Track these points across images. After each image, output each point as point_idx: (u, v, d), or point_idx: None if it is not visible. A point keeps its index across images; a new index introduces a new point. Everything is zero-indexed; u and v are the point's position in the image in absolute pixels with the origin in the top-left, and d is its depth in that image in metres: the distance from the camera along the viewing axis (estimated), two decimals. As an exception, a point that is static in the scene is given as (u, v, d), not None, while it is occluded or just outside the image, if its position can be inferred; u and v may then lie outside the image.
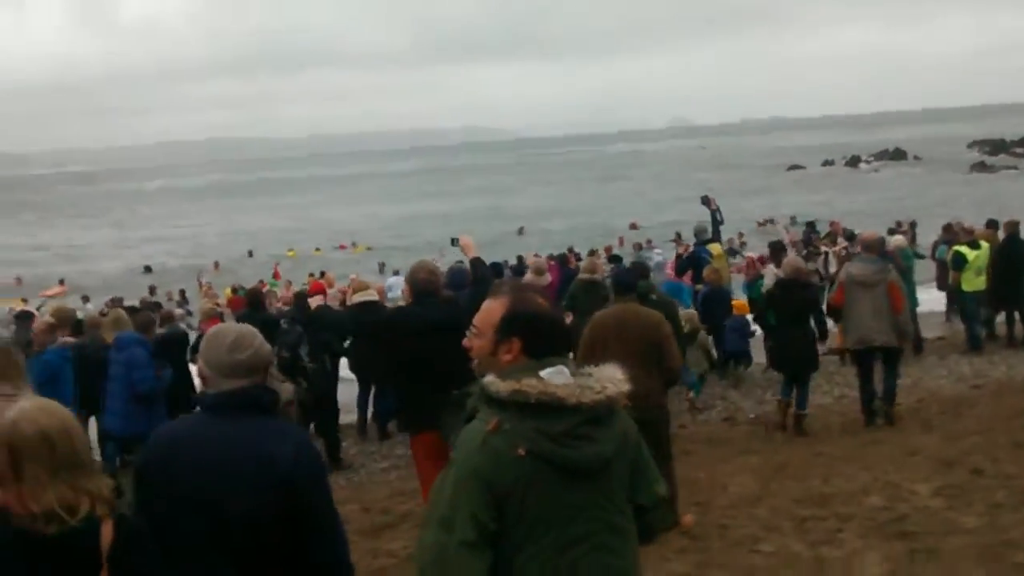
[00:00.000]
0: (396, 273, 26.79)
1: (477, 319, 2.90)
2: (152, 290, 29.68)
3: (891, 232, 19.05)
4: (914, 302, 13.51)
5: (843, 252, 15.11)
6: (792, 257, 12.19)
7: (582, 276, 11.65)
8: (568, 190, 75.67)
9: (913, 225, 24.60)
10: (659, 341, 6.70)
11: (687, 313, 11.89)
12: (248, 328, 3.37)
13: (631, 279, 7.63)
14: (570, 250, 24.20)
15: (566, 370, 2.71)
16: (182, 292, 28.00)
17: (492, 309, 2.86)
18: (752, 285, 14.21)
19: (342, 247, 45.92)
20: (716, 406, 11.53)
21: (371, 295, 11.48)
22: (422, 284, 6.74)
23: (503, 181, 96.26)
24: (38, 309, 19.13)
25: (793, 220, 33.32)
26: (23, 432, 2.52)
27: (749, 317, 13.57)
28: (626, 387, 2.74)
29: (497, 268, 15.18)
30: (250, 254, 44.99)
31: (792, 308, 9.83)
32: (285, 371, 8.86)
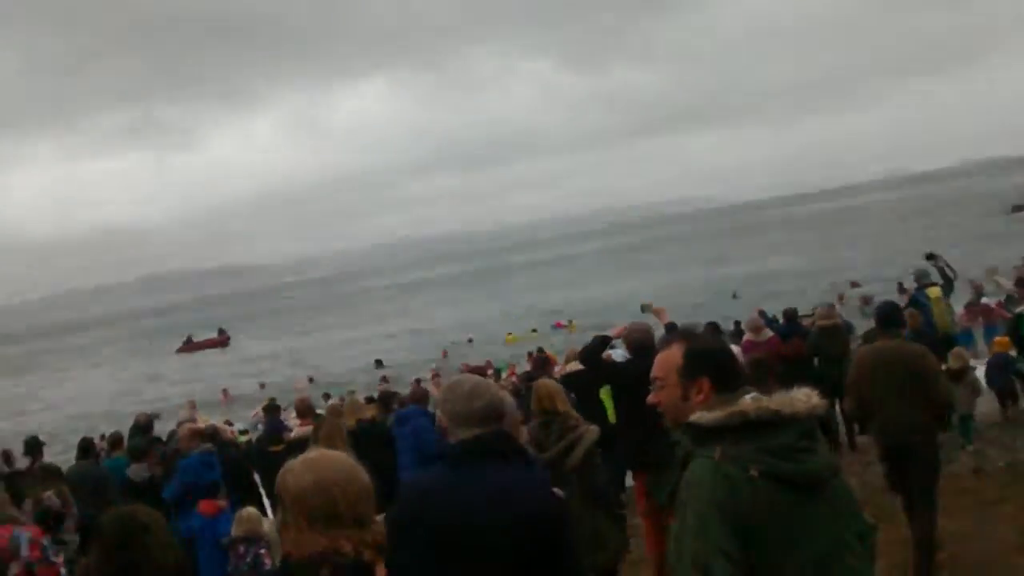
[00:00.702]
0: (613, 346, 26.58)
1: (657, 370, 2.96)
2: (385, 379, 31.04)
3: None
4: None
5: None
6: None
7: (821, 323, 12.15)
8: (783, 251, 73.67)
9: None
10: (923, 373, 6.54)
11: (956, 351, 11.74)
12: (484, 379, 3.56)
13: (895, 313, 7.45)
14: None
15: (763, 396, 2.75)
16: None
17: (670, 357, 2.93)
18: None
19: (558, 325, 46.18)
20: (956, 456, 10.61)
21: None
22: (638, 340, 7.44)
23: (714, 248, 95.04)
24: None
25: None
26: (286, 483, 2.68)
27: (1013, 353, 12.97)
28: (823, 402, 2.76)
29: (715, 326, 15.00)
30: (470, 341, 46.01)
31: None
32: None
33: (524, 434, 5.70)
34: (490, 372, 25.62)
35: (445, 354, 39.75)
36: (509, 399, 3.51)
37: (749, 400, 2.71)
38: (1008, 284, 16.62)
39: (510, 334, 45.72)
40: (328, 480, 2.65)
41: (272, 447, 10.38)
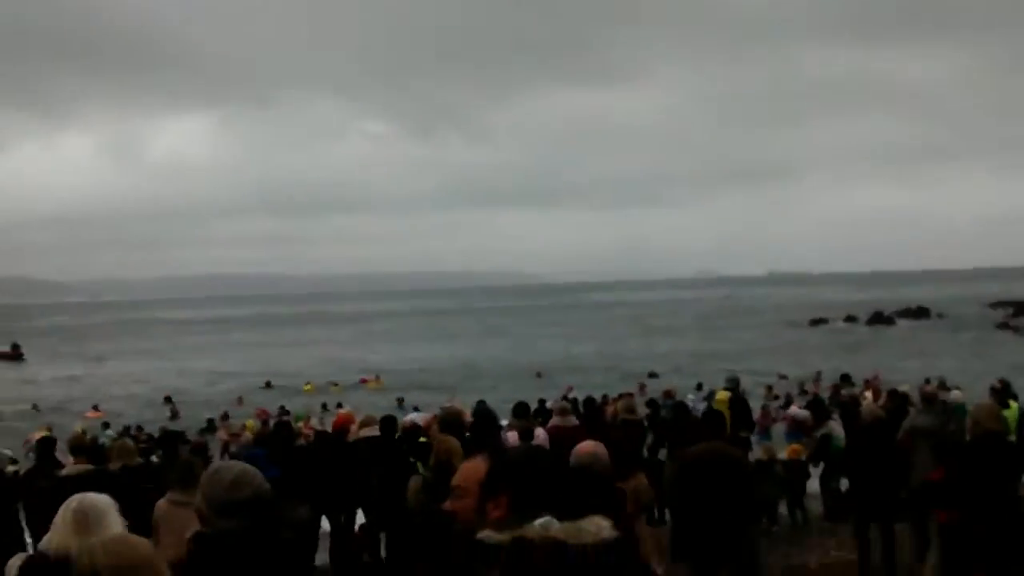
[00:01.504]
0: (416, 409, 26.54)
1: (459, 479, 2.92)
2: (175, 413, 30.04)
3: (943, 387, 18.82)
4: None
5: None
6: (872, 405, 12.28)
7: (624, 416, 12.32)
8: (589, 336, 75.64)
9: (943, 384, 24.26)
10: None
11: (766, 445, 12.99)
12: (250, 467, 3.35)
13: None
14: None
15: (555, 521, 2.65)
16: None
17: (474, 469, 2.87)
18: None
19: (363, 380, 45.55)
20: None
21: (374, 431, 11.40)
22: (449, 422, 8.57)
23: (525, 326, 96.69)
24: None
25: (818, 375, 32.82)
26: (82, 565, 2.60)
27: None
28: (615, 534, 2.68)
29: (524, 408, 15.01)
30: (268, 386, 44.90)
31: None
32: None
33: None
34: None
35: (241, 401, 38.34)
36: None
37: (534, 526, 2.62)
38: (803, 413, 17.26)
39: (308, 383, 44.78)
40: (126, 565, 2.56)
41: (42, 482, 9.79)
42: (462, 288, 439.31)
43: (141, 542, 2.72)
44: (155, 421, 31.34)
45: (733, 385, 15.49)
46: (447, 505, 2.97)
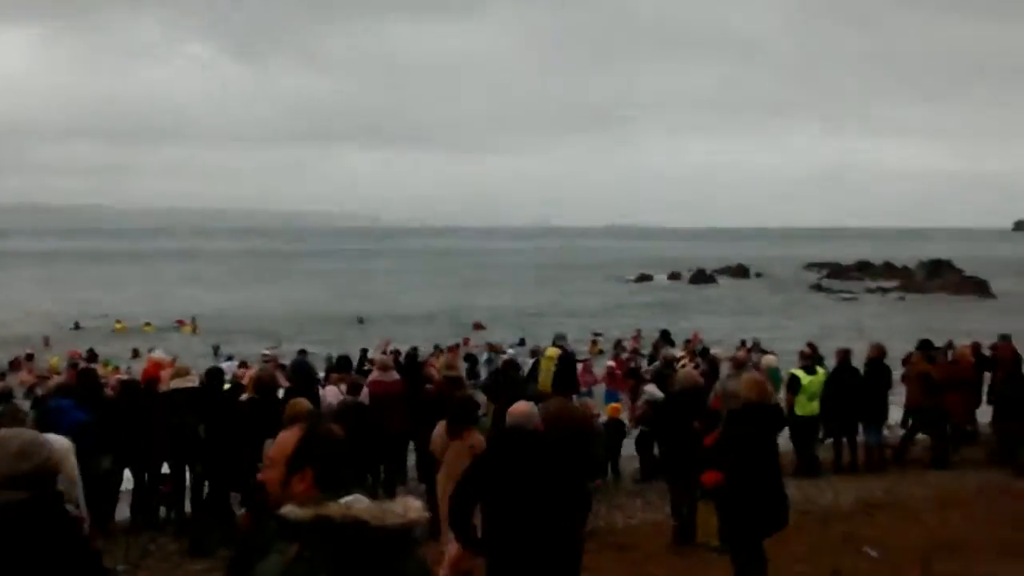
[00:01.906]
0: (230, 359, 25.74)
1: (271, 451, 2.88)
2: None
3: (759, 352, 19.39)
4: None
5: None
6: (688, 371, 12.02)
7: (444, 372, 12.39)
8: (422, 284, 75.47)
9: (758, 346, 25.22)
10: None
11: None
12: (37, 436, 3.24)
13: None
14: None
15: (364, 499, 2.66)
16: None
17: (285, 440, 2.84)
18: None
19: (179, 323, 43.90)
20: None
21: (191, 381, 10.99)
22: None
23: (355, 269, 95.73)
24: None
25: (638, 333, 33.59)
26: None
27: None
28: (426, 515, 2.70)
29: (347, 362, 14.68)
30: (77, 326, 42.62)
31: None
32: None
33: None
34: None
35: (47, 341, 36.12)
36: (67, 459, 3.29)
37: (338, 504, 2.60)
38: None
39: (119, 323, 42.78)
40: None
41: None
42: (296, 228, 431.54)
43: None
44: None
45: (562, 342, 15.61)
46: (259, 476, 2.94)
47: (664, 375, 13.66)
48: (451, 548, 7.44)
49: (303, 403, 9.03)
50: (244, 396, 10.64)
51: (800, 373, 13.78)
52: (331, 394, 12.38)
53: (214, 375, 11.29)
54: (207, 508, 10.17)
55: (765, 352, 19.95)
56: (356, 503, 2.63)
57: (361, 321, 45.13)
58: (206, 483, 10.26)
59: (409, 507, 2.65)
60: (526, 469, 5.61)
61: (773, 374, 14.28)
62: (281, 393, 10.95)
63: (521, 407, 6.18)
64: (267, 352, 28.43)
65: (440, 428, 8.28)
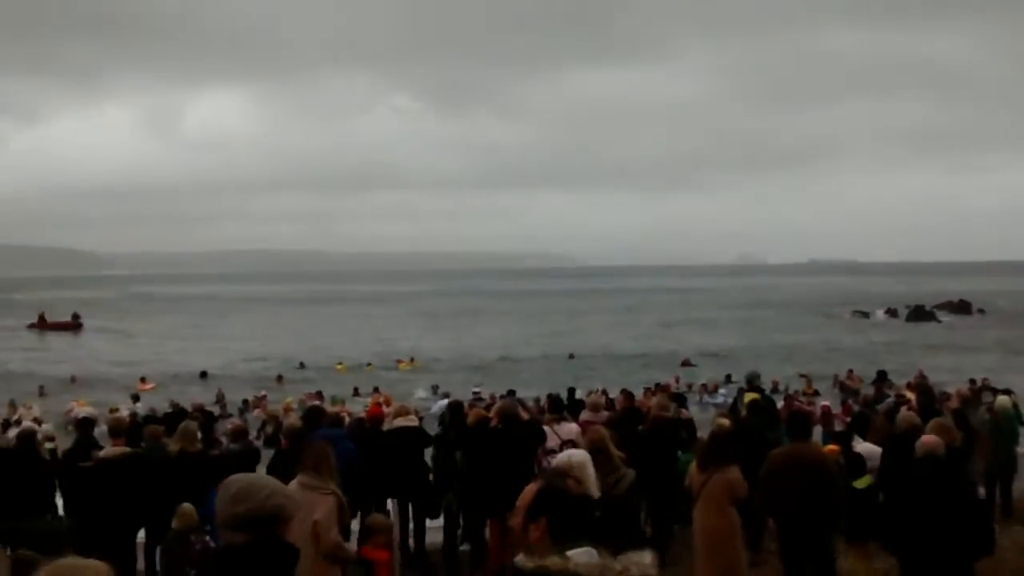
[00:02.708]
0: (446, 396, 26.58)
1: (519, 499, 3.21)
2: (220, 397, 30.60)
3: (989, 391, 18.36)
4: (1012, 466, 13.13)
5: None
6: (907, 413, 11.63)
7: (655, 412, 11.84)
8: (627, 322, 75.32)
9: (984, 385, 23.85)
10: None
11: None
12: (260, 480, 3.27)
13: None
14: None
15: (595, 552, 2.71)
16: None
17: (528, 490, 3.19)
18: None
19: (398, 363, 45.66)
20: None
21: (412, 421, 11.52)
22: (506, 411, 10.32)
23: (557, 308, 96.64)
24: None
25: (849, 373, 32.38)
26: None
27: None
28: (653, 572, 2.68)
29: (559, 403, 14.97)
30: (301, 366, 44.91)
31: None
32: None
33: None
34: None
35: (280, 380, 38.54)
36: (292, 500, 3.28)
37: (561, 558, 2.68)
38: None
39: (340, 364, 45.03)
40: None
41: (82, 462, 9.96)
42: (499, 269, 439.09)
43: (91, 566, 2.58)
44: (188, 395, 31.62)
45: (757, 382, 15.52)
46: (509, 522, 3.11)
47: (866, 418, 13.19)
48: None
49: (601, 430, 9.24)
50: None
51: None
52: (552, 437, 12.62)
53: (455, 408, 12.04)
54: (465, 539, 10.67)
55: (997, 391, 18.85)
56: (582, 556, 2.68)
57: (572, 356, 45.69)
58: (460, 516, 10.74)
59: (635, 563, 2.66)
60: None
61: (1007, 416, 13.57)
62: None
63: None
64: (476, 390, 29.42)
65: (694, 466, 8.49)
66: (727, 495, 8.07)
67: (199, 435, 10.77)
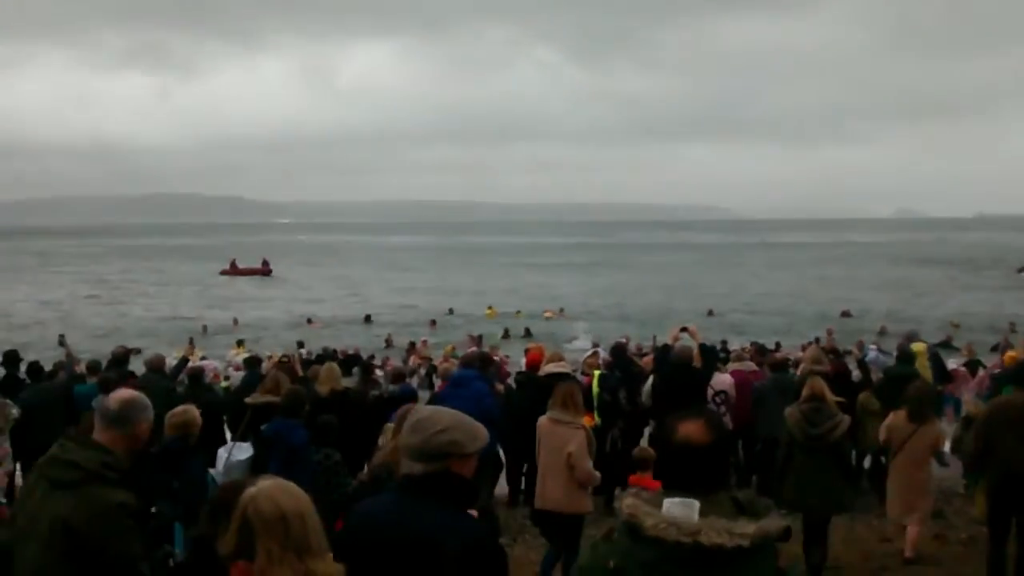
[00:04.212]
0: (596, 345, 26.51)
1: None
2: (388, 342, 32.62)
3: None
4: None
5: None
6: None
7: (813, 368, 11.30)
8: (779, 274, 73.57)
9: None
10: None
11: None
12: (440, 411, 3.32)
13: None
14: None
15: (696, 505, 2.58)
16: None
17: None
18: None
19: (546, 313, 45.96)
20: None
21: (563, 367, 11.61)
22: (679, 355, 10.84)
23: (713, 263, 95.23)
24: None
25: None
26: (261, 510, 2.47)
27: None
28: (741, 541, 2.50)
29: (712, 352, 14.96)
30: (450, 312, 45.79)
31: None
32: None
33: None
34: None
35: (434, 324, 39.56)
36: (472, 437, 3.27)
37: (644, 504, 2.64)
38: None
39: (490, 308, 45.63)
40: (302, 508, 2.51)
41: (248, 399, 10.37)
42: (650, 221, 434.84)
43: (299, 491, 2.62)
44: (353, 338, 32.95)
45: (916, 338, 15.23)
46: None
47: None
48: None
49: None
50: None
51: None
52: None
53: (620, 349, 12.53)
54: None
55: None
56: (679, 507, 2.59)
57: (711, 313, 44.99)
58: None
59: (723, 529, 2.53)
60: None
61: None
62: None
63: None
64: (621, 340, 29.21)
65: (899, 417, 8.85)
66: (931, 448, 8.74)
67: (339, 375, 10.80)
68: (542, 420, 7.93)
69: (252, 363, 13.33)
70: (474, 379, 9.98)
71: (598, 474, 7.86)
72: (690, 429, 2.73)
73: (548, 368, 11.77)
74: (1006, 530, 7.61)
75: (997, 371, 14.92)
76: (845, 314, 39.32)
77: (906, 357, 12.78)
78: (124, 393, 4.05)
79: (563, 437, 7.65)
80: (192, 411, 6.88)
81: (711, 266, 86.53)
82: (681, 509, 2.57)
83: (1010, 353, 16.27)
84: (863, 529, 9.95)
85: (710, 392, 11.64)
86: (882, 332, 33.32)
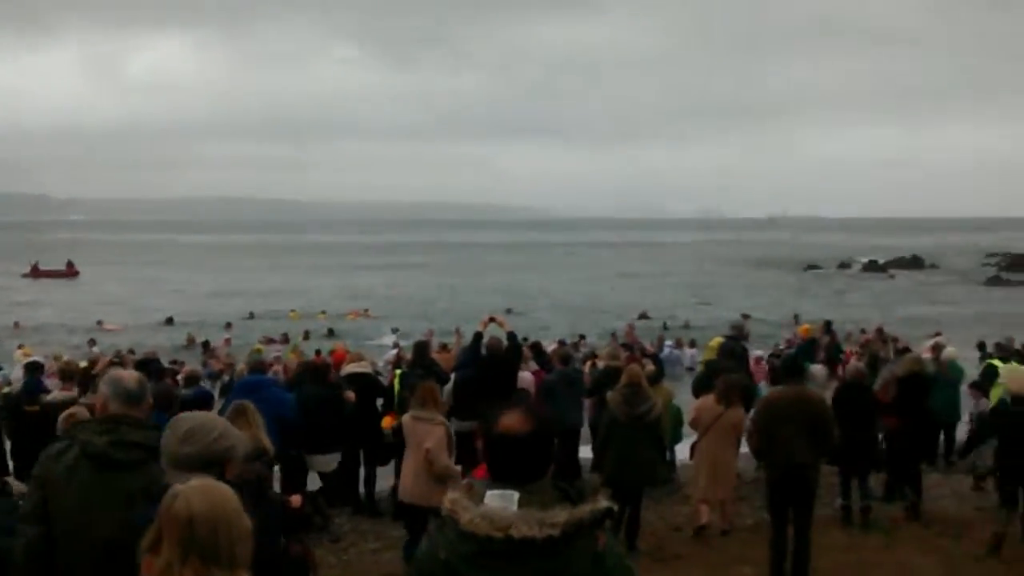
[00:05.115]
0: (396, 346, 26.45)
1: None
2: (191, 341, 31.65)
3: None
4: (956, 415, 13.64)
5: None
6: (855, 363, 12.47)
7: (610, 364, 12.10)
8: (583, 275, 75.48)
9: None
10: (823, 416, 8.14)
11: None
12: (211, 420, 3.33)
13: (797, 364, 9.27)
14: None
15: (515, 497, 2.65)
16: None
17: None
18: None
19: (349, 314, 45.18)
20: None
21: (365, 367, 11.57)
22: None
23: (518, 260, 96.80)
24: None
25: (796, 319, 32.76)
26: (173, 509, 2.50)
27: None
28: (552, 531, 2.58)
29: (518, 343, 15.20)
30: (251, 316, 44.42)
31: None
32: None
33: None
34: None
35: (230, 327, 38.17)
36: (241, 440, 3.29)
37: (463, 497, 2.71)
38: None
39: (293, 311, 44.82)
40: (217, 515, 2.49)
41: (28, 407, 9.94)
42: (465, 220, 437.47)
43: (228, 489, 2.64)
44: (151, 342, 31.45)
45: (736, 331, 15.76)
46: None
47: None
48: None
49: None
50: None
51: (997, 362, 13.59)
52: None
53: (422, 347, 12.37)
54: None
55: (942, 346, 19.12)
56: (498, 499, 2.65)
57: (509, 311, 45.33)
58: None
59: (535, 521, 2.59)
60: None
61: (953, 367, 13.95)
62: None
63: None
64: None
65: (708, 400, 9.77)
66: (736, 430, 9.65)
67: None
68: (405, 418, 8.56)
69: (32, 368, 12.63)
70: (268, 384, 9.92)
71: (457, 468, 8.20)
72: (511, 420, 2.76)
73: (349, 368, 11.71)
74: (786, 518, 8.09)
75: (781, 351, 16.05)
76: (643, 316, 40.64)
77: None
78: (134, 372, 4.26)
79: (422, 433, 8.18)
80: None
81: (522, 265, 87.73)
82: (500, 501, 2.63)
83: (805, 326, 17.50)
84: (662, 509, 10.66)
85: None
86: (685, 326, 35.74)
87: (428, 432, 8.16)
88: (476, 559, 2.62)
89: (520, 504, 2.63)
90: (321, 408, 10.16)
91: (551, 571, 2.61)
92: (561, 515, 2.59)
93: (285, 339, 31.97)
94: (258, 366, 10.76)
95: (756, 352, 18.30)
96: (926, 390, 10.94)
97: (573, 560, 2.62)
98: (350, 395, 10.67)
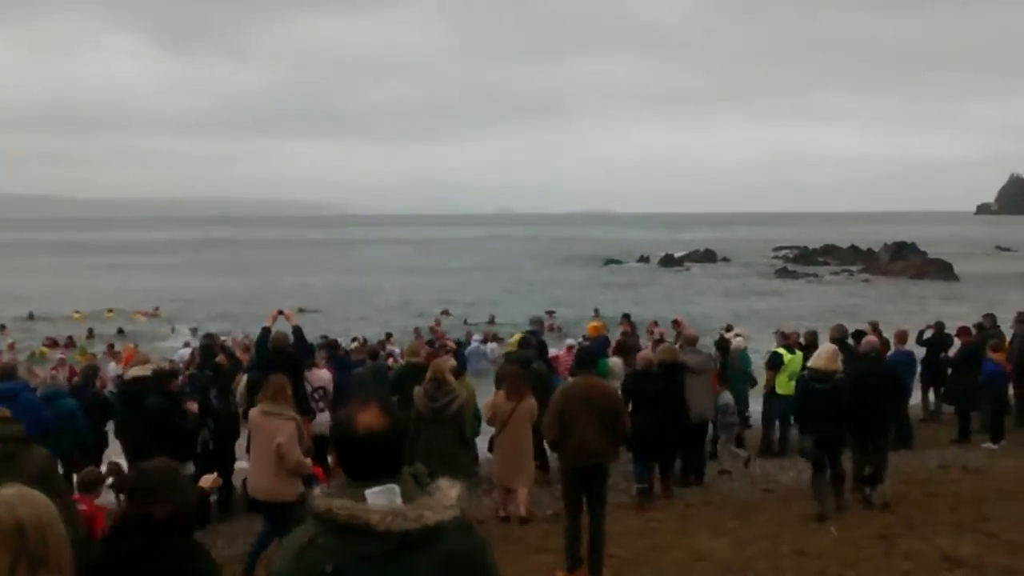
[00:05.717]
0: (187, 345, 25.54)
1: None
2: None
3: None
4: (744, 404, 14.31)
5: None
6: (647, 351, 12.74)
7: (410, 360, 11.94)
8: (383, 271, 74.98)
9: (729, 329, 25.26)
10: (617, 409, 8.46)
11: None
12: None
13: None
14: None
15: (397, 490, 2.64)
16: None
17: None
18: None
19: (145, 314, 43.00)
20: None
21: (147, 370, 11.09)
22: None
23: (302, 257, 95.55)
24: None
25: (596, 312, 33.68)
26: None
27: None
28: (452, 514, 2.65)
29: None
30: (31, 316, 41.51)
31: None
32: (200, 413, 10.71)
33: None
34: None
35: (3, 329, 35.55)
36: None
37: (351, 502, 2.61)
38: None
39: (77, 311, 42.29)
40: (43, 520, 2.44)
41: None
42: (257, 217, 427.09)
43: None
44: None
45: (536, 327, 16.56)
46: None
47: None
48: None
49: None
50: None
51: (782, 351, 14.07)
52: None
53: (207, 349, 12.45)
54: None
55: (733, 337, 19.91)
56: (382, 496, 2.61)
57: (301, 310, 44.24)
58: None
59: (433, 506, 2.62)
60: None
61: (741, 356, 14.55)
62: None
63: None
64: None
65: (500, 397, 10.29)
66: (529, 419, 10.13)
67: None
68: (253, 412, 8.48)
69: None
70: (22, 391, 9.63)
71: (308, 462, 8.37)
72: (368, 417, 2.73)
73: (133, 372, 11.21)
74: (580, 505, 8.24)
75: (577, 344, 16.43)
76: (444, 312, 40.77)
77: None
78: None
79: (272, 428, 8.15)
80: None
81: (319, 262, 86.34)
82: (386, 496, 2.61)
83: (593, 323, 17.92)
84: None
85: (308, 388, 11.55)
86: (490, 321, 35.99)
87: (279, 427, 8.14)
88: (383, 557, 2.57)
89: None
90: (164, 420, 10.07)
91: (457, 552, 2.67)
92: (451, 495, 2.67)
93: (71, 342, 30.84)
94: (8, 372, 10.11)
95: (569, 341, 18.65)
96: (681, 380, 11.38)
97: (467, 534, 2.73)
98: (192, 406, 10.62)
